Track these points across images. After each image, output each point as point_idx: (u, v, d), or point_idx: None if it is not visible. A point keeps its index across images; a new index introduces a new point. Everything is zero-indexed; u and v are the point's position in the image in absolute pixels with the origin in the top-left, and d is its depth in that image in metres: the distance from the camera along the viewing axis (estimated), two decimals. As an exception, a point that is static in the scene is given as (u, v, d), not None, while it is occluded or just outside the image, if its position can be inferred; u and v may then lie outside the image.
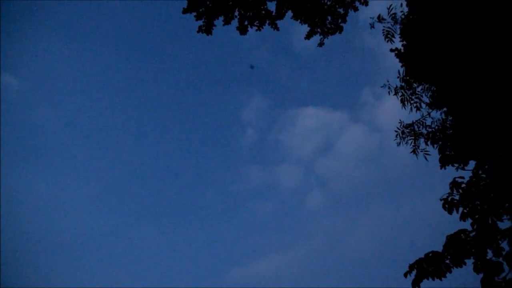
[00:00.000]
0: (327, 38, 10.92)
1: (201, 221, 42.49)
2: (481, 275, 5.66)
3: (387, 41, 9.21)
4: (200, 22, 10.18)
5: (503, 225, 5.84)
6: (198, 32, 10.32)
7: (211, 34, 10.34)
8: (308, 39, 10.80)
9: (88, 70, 46.08)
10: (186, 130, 50.31)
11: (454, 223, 6.22)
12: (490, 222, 5.92)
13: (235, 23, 10.37)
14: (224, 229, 41.40)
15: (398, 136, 9.60)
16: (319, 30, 10.73)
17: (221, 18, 10.21)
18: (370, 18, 9.97)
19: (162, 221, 41.79)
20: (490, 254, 5.72)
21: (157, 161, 47.14)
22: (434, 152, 8.73)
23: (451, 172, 6.80)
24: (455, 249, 5.97)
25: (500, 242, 5.72)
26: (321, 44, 11.02)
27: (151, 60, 49.94)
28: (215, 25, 10.29)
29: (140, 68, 49.51)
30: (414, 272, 6.14)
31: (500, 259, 5.62)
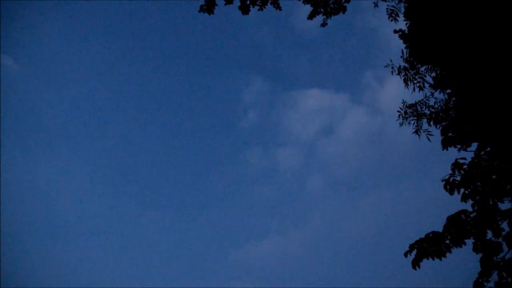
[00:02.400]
0: (330, 19, 10.78)
1: (201, 204, 42.86)
2: (480, 255, 5.77)
3: (391, 20, 9.10)
4: (202, 1, 10.08)
5: (504, 206, 5.91)
6: (199, 11, 10.22)
7: (213, 13, 10.24)
8: (311, 19, 10.66)
9: (89, 53, 45.73)
10: (186, 113, 50.21)
11: (455, 204, 6.30)
12: (491, 203, 5.99)
13: (237, 2, 10.25)
14: (224, 212, 41.79)
15: (400, 116, 9.58)
16: (322, 10, 10.58)
17: (222, -3, 10.09)
18: (374, -4, 9.84)
19: (161, 204, 42.17)
20: (490, 235, 5.82)
21: (157, 144, 47.25)
22: (436, 133, 8.75)
23: (453, 154, 6.83)
24: (455, 230, 6.06)
25: (500, 223, 5.81)
26: (324, 24, 10.88)
27: (151, 42, 49.42)
28: (216, 5, 10.18)
29: (140, 50, 49.07)
30: (414, 252, 6.26)
31: (500, 240, 5.72)
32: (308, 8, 10.54)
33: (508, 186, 5.90)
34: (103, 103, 46.79)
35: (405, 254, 6.36)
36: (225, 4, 10.22)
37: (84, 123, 44.38)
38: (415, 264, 6.22)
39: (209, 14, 10.18)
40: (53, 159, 40.13)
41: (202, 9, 10.15)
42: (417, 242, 6.30)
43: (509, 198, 5.90)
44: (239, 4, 10.25)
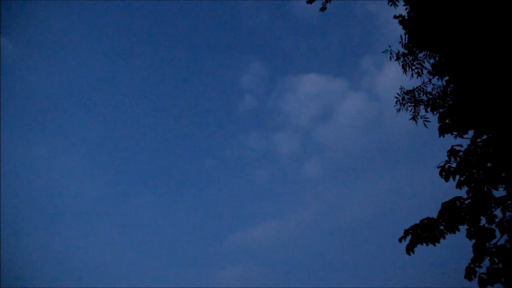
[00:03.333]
0: (329, 3, 10.65)
1: (198, 187, 42.97)
2: (473, 241, 5.86)
3: (391, 5, 8.99)
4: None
5: (498, 193, 5.97)
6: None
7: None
8: (310, 3, 10.52)
9: (87, 36, 45.10)
10: (184, 96, 49.90)
11: (450, 190, 6.36)
12: (485, 190, 6.04)
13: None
14: (221, 196, 41.94)
15: (398, 102, 9.55)
16: (321, -7, 10.44)
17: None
18: (374, -20, 9.71)
19: (159, 187, 42.22)
20: (483, 221, 5.89)
21: (154, 128, 47.09)
22: (433, 120, 8.75)
23: (450, 141, 6.85)
24: (450, 216, 6.13)
25: (494, 209, 5.87)
26: (323, 8, 10.75)
27: (149, 24, 48.78)
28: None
29: (138, 32, 48.44)
30: (409, 238, 6.33)
31: (493, 226, 5.79)
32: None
33: (503, 174, 5.95)
34: (97, 85, 46.41)
35: (400, 240, 6.44)
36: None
37: (80, 104, 44.11)
38: (409, 249, 6.31)
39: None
40: (47, 142, 40.03)
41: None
42: (412, 227, 6.37)
43: (504, 186, 5.95)
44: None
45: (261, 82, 47.84)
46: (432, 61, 8.63)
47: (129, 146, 44.24)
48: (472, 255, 5.81)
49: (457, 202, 6.22)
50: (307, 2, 10.58)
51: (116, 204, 38.37)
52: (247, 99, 46.94)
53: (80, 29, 44.64)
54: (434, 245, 6.17)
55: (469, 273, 5.74)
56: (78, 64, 44.85)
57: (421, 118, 9.20)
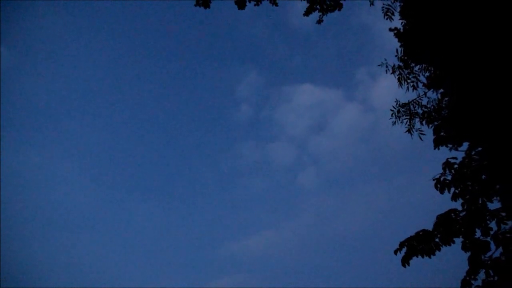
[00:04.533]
0: (326, 16, 10.78)
1: (193, 197, 42.82)
2: (468, 254, 5.85)
3: (386, 19, 9.12)
4: (198, -5, 10.03)
5: (493, 206, 5.99)
6: (195, 5, 10.16)
7: (209, 7, 10.20)
8: (307, 15, 10.64)
9: (82, 42, 45.24)
10: (179, 105, 49.99)
11: (445, 203, 6.37)
12: (480, 202, 6.06)
13: (233, -4, 10.21)
14: (216, 205, 41.80)
15: (393, 115, 9.62)
16: (318, 7, 10.56)
17: (219, -8, 10.04)
18: (370, -6, 9.86)
19: (153, 196, 42.03)
20: (478, 234, 5.90)
21: (150, 136, 47.05)
22: (428, 132, 8.81)
23: (444, 153, 6.89)
24: (445, 228, 6.13)
25: (488, 222, 5.89)
26: (320, 21, 10.87)
27: (145, 34, 49.06)
28: (213, -2, 10.13)
29: (134, 43, 48.68)
30: (404, 250, 6.32)
31: (488, 239, 5.80)
32: (304, 4, 10.55)
33: (497, 186, 5.98)
34: (94, 94, 46.40)
35: (395, 252, 6.42)
36: (222, -1, 10.20)
37: (76, 110, 44.02)
38: (405, 261, 6.28)
39: (206, 8, 10.14)
40: (44, 150, 39.83)
41: (198, 3, 10.10)
42: (407, 240, 6.36)
43: (498, 198, 5.98)
44: (235, -2, 10.22)
45: (257, 92, 48.06)
46: (427, 74, 8.73)
47: (125, 154, 44.11)
48: (467, 267, 5.81)
49: (452, 214, 6.23)
50: (304, 15, 10.70)
51: (111, 212, 38.11)
52: (243, 109, 47.13)
53: (76, 37, 44.83)
54: (430, 257, 6.16)
55: (465, 286, 5.74)
56: (75, 70, 44.92)
57: (416, 130, 9.26)
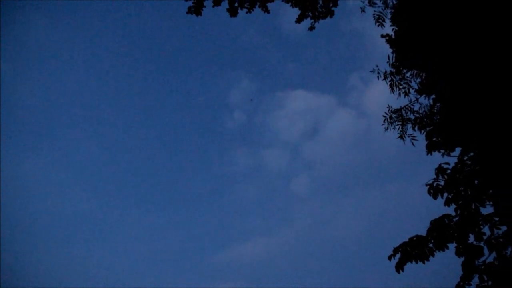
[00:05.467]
0: (318, 23, 10.85)
1: (186, 204, 42.62)
2: (462, 259, 5.84)
3: (378, 26, 9.19)
4: (190, 3, 10.03)
5: (486, 210, 6.00)
6: (187, 13, 10.17)
7: (201, 15, 10.21)
8: (299, 22, 10.70)
9: (74, 51, 45.15)
10: (172, 112, 49.91)
11: (438, 208, 6.37)
12: (473, 207, 6.07)
13: (225, 4, 10.23)
14: (209, 212, 41.62)
15: (386, 121, 9.66)
16: (310, 14, 10.63)
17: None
18: (361, 1, 9.95)
19: (145, 203, 41.78)
20: (471, 239, 5.90)
21: (143, 144, 46.87)
22: (421, 138, 8.85)
23: (437, 158, 6.91)
24: (439, 234, 6.13)
25: (482, 227, 5.89)
26: (311, 28, 10.93)
27: (138, 41, 49.08)
28: (204, 6, 10.14)
29: (127, 50, 48.65)
30: (398, 256, 6.30)
31: (481, 244, 5.80)
32: (296, 11, 10.60)
33: (490, 191, 5.99)
34: (90, 102, 46.23)
35: (389, 258, 6.40)
36: (213, 6, 10.20)
37: (68, 119, 43.75)
38: (399, 267, 6.26)
39: (197, 15, 10.15)
40: (40, 157, 39.50)
41: (190, 10, 10.10)
42: (401, 245, 6.35)
43: (491, 203, 5.99)
44: (227, 6, 10.25)
45: (249, 97, 48.10)
46: (419, 80, 8.78)
47: (119, 162, 43.82)
48: (461, 273, 5.80)
49: (446, 219, 6.23)
50: (296, 22, 10.75)
51: (105, 218, 37.76)
52: (236, 115, 47.16)
53: (69, 45, 44.67)
54: (424, 263, 6.14)
55: (459, 291, 5.71)
56: (70, 80, 44.70)
57: (408, 136, 9.30)
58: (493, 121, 5.85)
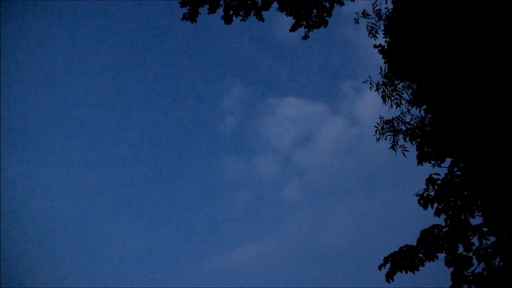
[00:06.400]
0: (312, 32, 10.96)
1: (177, 210, 42.35)
2: (451, 269, 5.87)
3: (371, 37, 9.31)
4: (185, 9, 10.07)
5: (475, 221, 6.05)
6: (182, 19, 10.20)
7: (195, 21, 10.25)
8: (293, 31, 10.80)
9: (63, 55, 44.94)
10: (164, 117, 49.78)
11: (428, 218, 6.41)
12: (462, 218, 6.12)
13: (220, 11, 10.29)
14: (199, 219, 41.40)
15: (377, 131, 9.77)
16: (304, 23, 10.74)
17: (206, 6, 10.12)
18: (355, 13, 10.07)
19: (134, 209, 41.44)
20: (461, 249, 5.93)
21: (131, 148, 46.59)
22: (412, 149, 8.94)
23: (428, 168, 6.98)
24: (428, 244, 6.16)
25: (471, 237, 5.93)
26: (305, 37, 11.04)
27: (129, 46, 49.01)
28: (199, 13, 10.19)
29: (118, 53, 48.55)
30: (388, 265, 6.31)
31: (470, 254, 5.83)
32: (290, 20, 10.71)
33: (479, 201, 6.05)
34: (81, 106, 45.90)
35: (380, 267, 6.41)
36: (208, 13, 10.25)
37: (57, 123, 43.37)
38: (389, 277, 6.27)
39: (192, 22, 10.18)
40: (25, 160, 39.01)
41: (185, 17, 10.14)
42: (391, 255, 6.37)
43: (480, 213, 6.04)
44: (222, 13, 10.31)
45: (242, 104, 48.24)
46: (410, 91, 8.90)
47: (108, 166, 43.45)
48: (450, 283, 5.81)
49: (436, 230, 6.27)
50: (290, 31, 10.85)
51: (91, 225, 37.30)
52: (228, 121, 47.18)
53: (60, 47, 44.47)
54: (413, 272, 6.16)
55: (448, 302, 5.72)
56: (62, 83, 44.41)
57: (400, 147, 9.40)
58: (493, 124, 5.84)
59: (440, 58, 6.18)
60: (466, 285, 5.65)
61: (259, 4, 10.28)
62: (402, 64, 6.99)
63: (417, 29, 6.40)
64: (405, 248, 6.31)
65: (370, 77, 9.55)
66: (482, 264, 5.67)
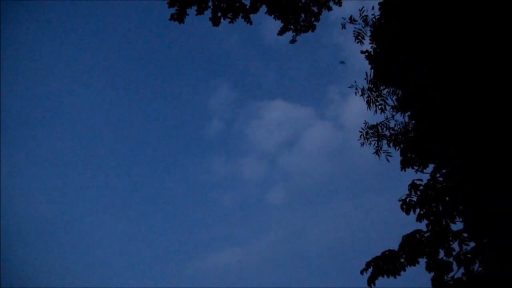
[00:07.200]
0: (300, 36, 11.02)
1: (161, 211, 41.98)
2: (432, 274, 5.93)
3: (357, 42, 9.40)
4: (173, 10, 10.01)
5: (456, 226, 6.13)
6: (170, 19, 10.14)
7: (183, 22, 10.20)
8: (281, 35, 10.85)
9: (60, 57, 44.27)
10: (151, 118, 49.39)
11: (411, 223, 6.47)
12: (444, 223, 6.20)
13: (208, 13, 10.26)
14: (184, 220, 41.13)
15: (362, 136, 9.83)
16: (292, 27, 10.80)
17: (194, 7, 10.07)
18: (342, 18, 10.16)
19: (121, 210, 40.96)
20: (442, 254, 6.01)
21: (120, 149, 46.08)
22: (395, 154, 9.04)
23: (411, 174, 7.05)
24: (410, 249, 6.21)
25: (451, 242, 6.01)
26: (293, 41, 11.09)
27: (118, 46, 48.54)
28: (187, 14, 10.14)
29: (108, 54, 48.04)
30: (370, 270, 6.35)
31: (451, 259, 5.91)
32: (278, 24, 10.75)
33: (461, 207, 6.13)
34: (66, 105, 45.23)
35: (361, 272, 6.44)
36: (196, 15, 10.21)
37: (46, 124, 42.65)
38: (371, 281, 6.30)
39: (180, 23, 10.12)
40: (8, 159, 38.23)
41: (173, 17, 10.08)
42: (373, 259, 6.40)
43: (461, 219, 6.13)
44: (210, 15, 10.28)
45: (229, 106, 48.18)
46: (395, 97, 9.00)
47: (93, 167, 42.87)
48: (431, 288, 5.88)
49: (417, 235, 6.33)
50: (278, 34, 10.88)
51: (75, 225, 36.75)
52: (214, 123, 47.05)
53: (55, 52, 43.82)
54: (395, 277, 6.21)
55: (428, 306, 5.78)
56: (54, 85, 43.71)
57: (384, 152, 9.49)
58: (490, 122, 5.84)
59: (435, 55, 6.17)
60: (446, 290, 5.72)
61: (247, 7, 10.28)
62: (393, 65, 6.98)
63: (410, 28, 6.38)
64: (387, 253, 6.35)
65: (355, 82, 9.63)
66: (462, 269, 5.76)
